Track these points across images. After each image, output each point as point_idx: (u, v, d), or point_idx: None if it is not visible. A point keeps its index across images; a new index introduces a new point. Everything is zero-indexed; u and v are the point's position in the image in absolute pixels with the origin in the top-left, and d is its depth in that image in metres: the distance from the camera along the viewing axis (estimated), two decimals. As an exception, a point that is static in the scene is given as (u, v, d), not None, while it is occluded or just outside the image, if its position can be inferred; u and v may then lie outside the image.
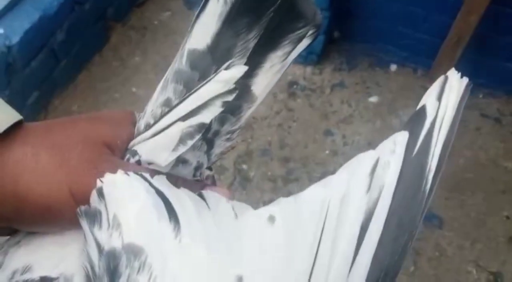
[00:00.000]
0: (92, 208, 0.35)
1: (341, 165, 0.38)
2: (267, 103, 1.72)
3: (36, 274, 0.35)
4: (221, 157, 0.41)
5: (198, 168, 0.40)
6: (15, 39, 1.46)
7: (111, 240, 0.33)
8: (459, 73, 0.41)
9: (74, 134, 0.38)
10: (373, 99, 1.75)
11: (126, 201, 0.35)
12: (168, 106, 0.39)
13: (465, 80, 0.42)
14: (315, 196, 0.36)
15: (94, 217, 0.35)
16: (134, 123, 0.40)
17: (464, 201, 1.53)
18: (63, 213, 0.35)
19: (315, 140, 1.65)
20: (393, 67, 1.83)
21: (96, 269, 0.33)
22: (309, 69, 1.81)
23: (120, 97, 1.68)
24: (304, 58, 1.79)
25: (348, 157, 0.40)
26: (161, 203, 0.35)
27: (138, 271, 0.32)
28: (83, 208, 0.35)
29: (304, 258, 0.34)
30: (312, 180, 1.49)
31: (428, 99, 0.41)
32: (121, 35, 1.90)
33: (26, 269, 0.35)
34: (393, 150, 0.37)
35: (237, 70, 0.38)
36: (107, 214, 0.34)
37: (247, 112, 0.40)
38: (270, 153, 1.62)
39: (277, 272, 0.34)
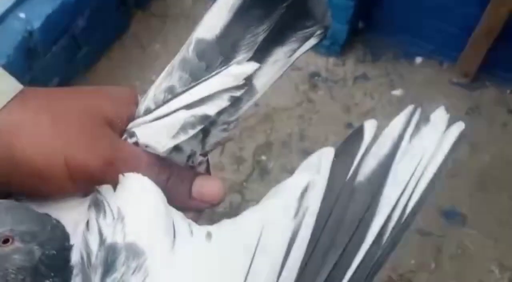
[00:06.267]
0: (99, 197, 0.36)
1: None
2: (288, 95, 1.69)
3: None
4: (215, 147, 0.41)
5: (191, 155, 0.39)
6: (37, 24, 1.46)
7: (114, 233, 0.34)
8: (448, 114, 0.39)
9: (77, 105, 0.37)
10: (397, 92, 1.71)
11: (141, 199, 0.35)
12: (172, 93, 0.38)
13: (461, 125, 0.39)
14: (251, 221, 0.36)
15: (100, 207, 0.35)
16: (136, 104, 0.40)
17: (489, 199, 1.49)
18: (55, 182, 0.35)
19: (336, 133, 1.62)
20: (418, 59, 1.79)
21: (93, 258, 0.33)
22: (331, 60, 1.78)
23: (140, 85, 1.67)
24: (326, 49, 1.76)
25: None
26: (169, 216, 0.36)
27: (134, 272, 0.33)
28: (91, 196, 0.36)
29: (237, 276, 0.34)
30: (332, 173, 1.46)
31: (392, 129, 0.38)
32: (141, 22, 1.89)
33: None
34: (318, 168, 0.37)
35: (249, 66, 0.37)
36: (109, 206, 0.35)
37: (246, 105, 0.39)
38: (290, 145, 1.60)
39: None
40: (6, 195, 0.37)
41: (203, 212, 0.41)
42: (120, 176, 0.36)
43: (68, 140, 0.35)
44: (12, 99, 0.35)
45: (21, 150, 0.34)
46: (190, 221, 0.37)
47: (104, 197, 0.36)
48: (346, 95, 1.72)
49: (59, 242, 0.34)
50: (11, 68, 1.46)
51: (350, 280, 0.35)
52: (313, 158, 0.38)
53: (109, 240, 0.34)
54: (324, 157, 0.37)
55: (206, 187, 0.39)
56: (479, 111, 1.67)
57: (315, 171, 0.37)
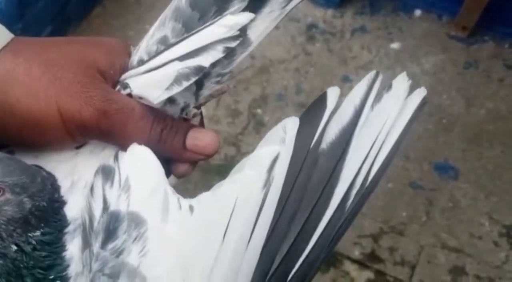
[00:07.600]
0: (109, 165, 0.37)
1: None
2: (285, 47, 1.67)
3: None
4: (209, 99, 0.41)
5: (184, 107, 0.39)
6: (27, -30, 1.42)
7: (119, 202, 0.35)
8: (409, 81, 0.39)
9: (70, 54, 0.37)
10: (395, 45, 1.69)
11: (147, 171, 0.37)
12: (164, 44, 0.38)
13: (422, 91, 0.40)
14: (227, 193, 0.38)
15: (109, 174, 0.36)
16: (129, 55, 0.39)
17: (482, 153, 1.51)
18: (49, 131, 0.36)
19: (332, 86, 1.61)
20: (418, 12, 1.76)
21: (95, 223, 0.35)
22: (329, 11, 1.75)
23: (134, 35, 1.65)
24: (325, 0, 1.73)
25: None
26: (166, 190, 0.37)
27: (134, 240, 0.34)
28: (101, 164, 0.37)
29: (214, 243, 0.36)
30: (328, 126, 1.46)
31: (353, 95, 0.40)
32: (136, -30, 1.84)
33: None
34: (283, 138, 0.38)
35: (244, 17, 0.37)
36: (120, 175, 0.36)
37: (240, 57, 0.39)
38: (286, 98, 1.59)
39: (194, 253, 0.36)
40: None
41: (196, 164, 0.41)
42: (130, 146, 0.37)
43: (61, 89, 0.35)
44: (3, 48, 0.35)
45: (14, 99, 0.34)
46: (178, 195, 0.38)
47: (117, 165, 0.36)
48: (343, 48, 1.70)
49: (49, 194, 0.35)
50: (2, 16, 1.42)
51: (315, 244, 0.37)
52: (278, 128, 0.38)
53: (112, 207, 0.35)
54: (289, 126, 0.38)
55: (200, 139, 0.39)
56: (477, 65, 1.66)
57: (280, 141, 0.38)
